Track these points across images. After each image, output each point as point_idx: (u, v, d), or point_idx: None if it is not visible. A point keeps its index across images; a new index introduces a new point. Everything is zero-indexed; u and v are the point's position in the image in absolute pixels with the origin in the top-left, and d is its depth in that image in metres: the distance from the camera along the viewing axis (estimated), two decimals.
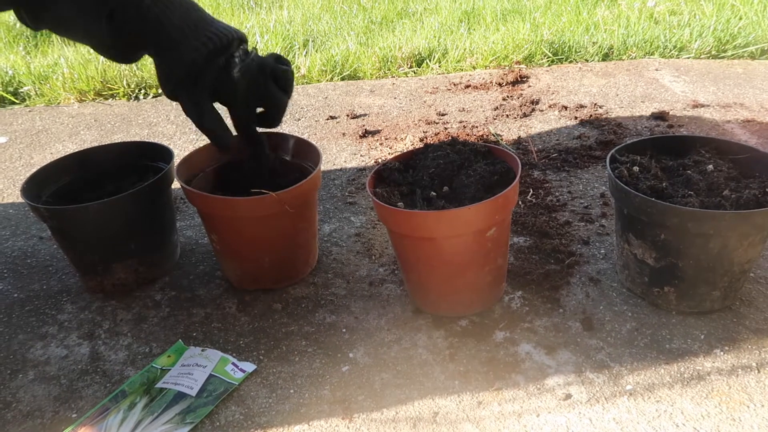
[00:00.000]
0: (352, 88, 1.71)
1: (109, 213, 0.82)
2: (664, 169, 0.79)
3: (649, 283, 0.78)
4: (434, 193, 0.76)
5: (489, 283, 0.79)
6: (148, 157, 0.97)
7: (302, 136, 0.94)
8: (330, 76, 1.80)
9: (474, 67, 1.80)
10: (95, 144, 1.44)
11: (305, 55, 1.92)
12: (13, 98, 1.76)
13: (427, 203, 0.75)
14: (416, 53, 1.86)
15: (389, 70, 1.82)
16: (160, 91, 1.78)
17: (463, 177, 0.77)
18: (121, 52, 0.74)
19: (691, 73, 1.62)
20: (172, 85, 0.75)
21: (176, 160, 0.90)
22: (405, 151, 0.90)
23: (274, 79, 0.77)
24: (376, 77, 1.80)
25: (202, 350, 0.76)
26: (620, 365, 0.71)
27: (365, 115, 1.51)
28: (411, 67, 1.83)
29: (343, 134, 1.40)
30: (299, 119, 1.51)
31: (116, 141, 1.46)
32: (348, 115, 1.50)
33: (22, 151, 1.43)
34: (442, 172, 0.78)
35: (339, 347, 0.77)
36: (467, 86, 1.64)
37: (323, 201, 1.11)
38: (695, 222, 0.68)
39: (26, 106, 1.74)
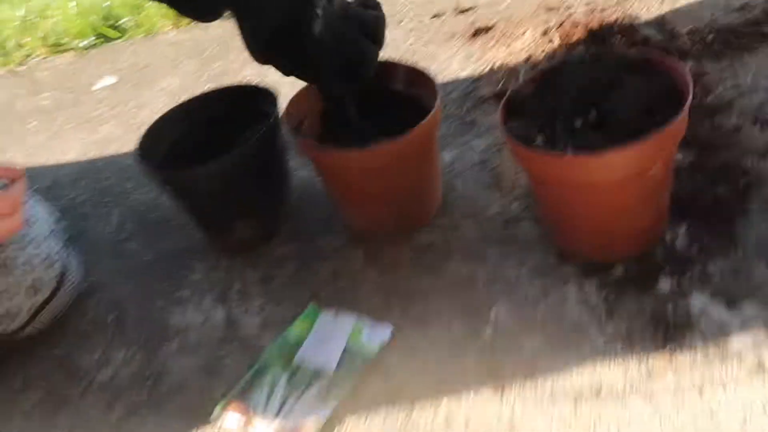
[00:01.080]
0: None
1: (223, 171, 0.78)
2: None
3: None
4: (579, 123, 0.63)
5: (650, 224, 0.67)
6: (250, 99, 0.91)
7: (410, 60, 0.83)
8: None
9: None
10: (197, 74, 1.40)
11: None
12: (113, 32, 1.75)
13: (571, 135, 0.63)
14: None
15: None
16: None
17: (614, 98, 0.64)
18: (200, 5, 0.66)
19: None
20: (260, 46, 0.67)
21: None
22: (533, 66, 0.76)
23: (361, 29, 0.68)
24: None
25: (335, 314, 0.73)
26: None
27: (473, 7, 1.33)
28: None
29: (452, 35, 1.25)
30: (401, 21, 1.37)
31: (216, 68, 1.42)
32: (454, 10, 1.33)
33: (130, 91, 1.43)
34: (587, 94, 0.65)
35: (478, 305, 0.71)
36: None
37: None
38: None
39: (127, 39, 1.72)
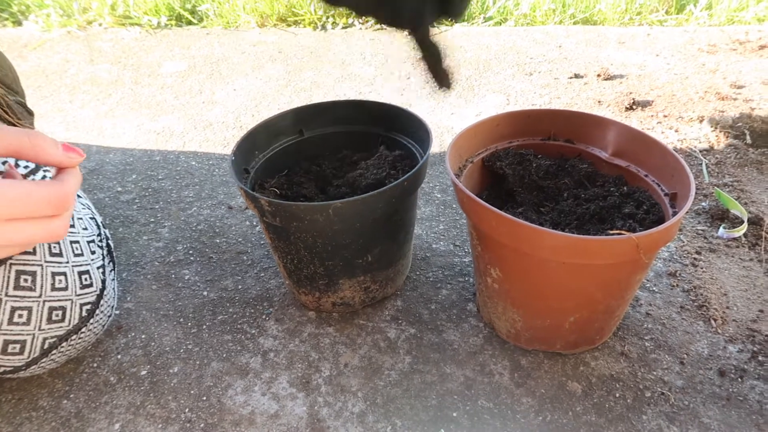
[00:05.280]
0: (592, 35, 1.33)
1: (357, 213, 0.56)
2: None
3: None
4: None
5: None
6: (382, 122, 0.70)
7: (567, 108, 0.61)
8: (559, 17, 1.42)
9: (761, 20, 1.34)
10: (282, 81, 1.20)
11: None
12: (191, 17, 1.56)
13: None
14: None
15: (639, 14, 1.41)
16: (350, 21, 1.50)
17: None
18: None
19: None
20: None
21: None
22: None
23: None
24: (621, 23, 1.40)
25: None
26: None
27: (622, 76, 1.14)
28: (668, 12, 1.40)
29: (599, 102, 1.05)
30: (531, 74, 1.17)
31: (305, 79, 1.22)
32: (599, 75, 1.14)
33: (202, 83, 1.22)
34: None
35: None
36: (762, 47, 1.20)
37: None
38: None
39: (203, 27, 1.53)
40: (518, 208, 0.60)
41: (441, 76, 0.51)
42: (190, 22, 1.56)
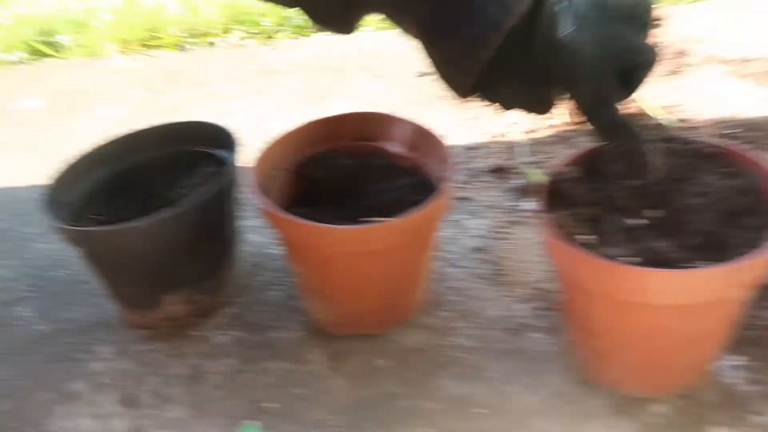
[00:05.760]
0: None
1: (160, 233, 0.59)
2: None
3: None
4: (645, 221, 0.48)
5: (711, 356, 0.52)
6: (201, 139, 0.73)
7: (415, 119, 0.67)
8: None
9: None
10: (144, 107, 1.21)
11: None
12: (48, 50, 1.54)
13: (629, 237, 0.47)
14: None
15: None
16: (210, 40, 1.53)
17: (685, 194, 0.49)
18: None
19: None
20: (476, 69, 0.42)
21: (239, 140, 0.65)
22: (580, 152, 0.57)
23: (625, 19, 0.41)
24: None
25: None
26: None
27: None
28: None
29: (441, 96, 1.12)
30: (381, 75, 1.23)
31: (166, 102, 1.23)
32: None
33: (59, 117, 1.21)
34: (652, 186, 0.50)
35: None
36: None
37: None
38: None
39: (64, 58, 1.51)
40: (327, 208, 0.64)
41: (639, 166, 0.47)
42: (48, 55, 1.53)
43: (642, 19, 0.42)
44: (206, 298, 0.68)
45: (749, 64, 1.10)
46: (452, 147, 0.94)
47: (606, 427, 0.53)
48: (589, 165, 0.53)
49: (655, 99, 1.01)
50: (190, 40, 1.52)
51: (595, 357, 0.55)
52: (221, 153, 0.70)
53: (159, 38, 1.52)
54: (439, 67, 0.44)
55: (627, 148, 0.48)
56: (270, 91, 1.23)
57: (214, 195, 0.62)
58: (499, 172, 0.87)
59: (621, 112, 0.44)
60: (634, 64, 0.42)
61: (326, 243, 0.54)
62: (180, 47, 1.51)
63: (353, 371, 0.61)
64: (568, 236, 0.47)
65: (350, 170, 0.64)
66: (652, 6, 0.43)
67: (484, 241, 0.75)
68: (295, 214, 0.58)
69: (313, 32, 1.47)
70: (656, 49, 0.43)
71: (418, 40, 0.44)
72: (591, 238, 0.47)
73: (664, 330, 0.47)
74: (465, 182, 0.86)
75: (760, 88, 1.01)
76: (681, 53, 1.16)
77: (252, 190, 0.58)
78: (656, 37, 0.45)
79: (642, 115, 0.99)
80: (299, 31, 1.49)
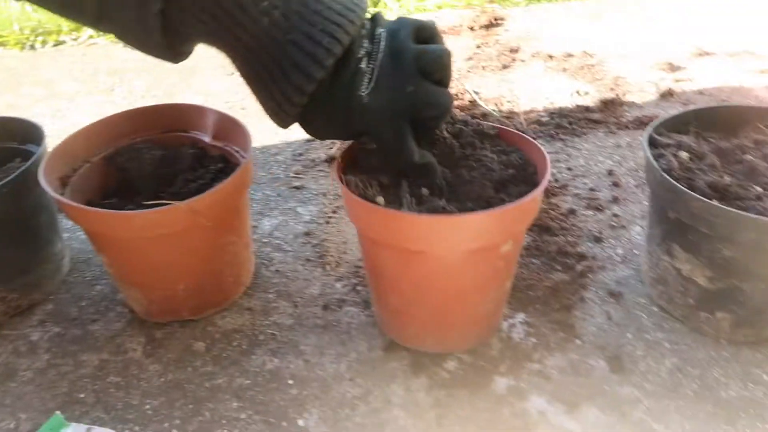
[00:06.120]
0: None
1: None
2: (718, 153, 0.59)
3: (695, 305, 0.59)
4: (425, 190, 0.53)
5: (490, 312, 0.58)
6: (16, 137, 0.72)
7: (226, 109, 0.70)
8: None
9: (440, 7, 1.54)
10: None
11: None
12: None
13: (417, 201, 0.52)
14: None
15: None
16: (61, 38, 1.47)
17: (464, 168, 0.55)
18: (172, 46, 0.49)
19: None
20: (290, 117, 0.48)
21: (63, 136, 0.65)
22: None
23: (423, 73, 0.47)
24: None
25: (88, 429, 0.54)
26: (667, 429, 0.53)
27: None
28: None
29: None
30: (233, 72, 1.24)
31: (2, 101, 1.18)
32: None
33: None
34: (438, 160, 0.55)
35: (284, 409, 0.56)
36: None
37: (262, 186, 0.87)
38: None
39: None
40: (136, 198, 0.65)
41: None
42: None
43: (436, 75, 0.48)
44: (20, 296, 0.67)
45: (569, 59, 1.21)
46: (292, 141, 0.98)
47: (404, 387, 0.58)
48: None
49: (486, 91, 1.10)
50: (37, 38, 1.45)
51: (391, 315, 0.59)
52: (31, 148, 0.69)
53: (2, 35, 1.44)
54: (261, 104, 0.49)
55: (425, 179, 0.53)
56: (118, 89, 1.21)
57: (9, 189, 0.61)
58: (333, 161, 0.91)
59: (417, 150, 0.50)
60: (426, 115, 0.48)
61: (117, 229, 0.55)
62: (26, 46, 1.44)
63: (170, 356, 0.62)
64: (363, 196, 0.51)
65: (160, 160, 0.65)
66: (450, 60, 0.50)
67: (311, 226, 0.79)
68: (99, 205, 0.59)
69: None
70: (450, 98, 0.49)
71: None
72: (381, 199, 0.51)
73: (444, 280, 0.52)
74: (300, 172, 0.90)
75: (573, 81, 1.13)
76: (514, 50, 1.27)
77: (44, 183, 0.58)
78: (452, 86, 0.51)
79: (471, 106, 1.06)
80: None
